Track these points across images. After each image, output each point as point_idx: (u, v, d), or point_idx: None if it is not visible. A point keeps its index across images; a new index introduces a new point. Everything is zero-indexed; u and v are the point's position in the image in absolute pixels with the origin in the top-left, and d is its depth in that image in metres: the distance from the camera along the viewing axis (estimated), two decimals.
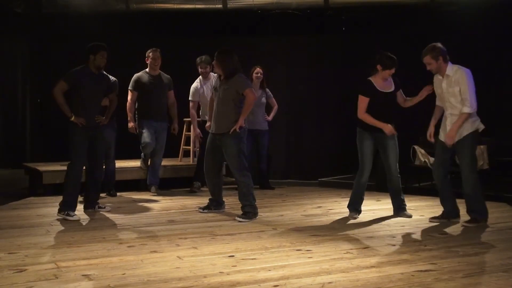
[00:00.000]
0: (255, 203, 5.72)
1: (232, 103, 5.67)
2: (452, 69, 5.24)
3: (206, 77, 7.47)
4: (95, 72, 5.77)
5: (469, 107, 5.13)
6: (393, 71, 5.55)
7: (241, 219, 5.54)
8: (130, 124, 7.17)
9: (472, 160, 5.29)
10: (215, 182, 5.97)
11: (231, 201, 6.35)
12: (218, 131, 5.74)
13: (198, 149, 7.73)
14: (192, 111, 7.50)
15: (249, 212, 5.63)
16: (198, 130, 7.50)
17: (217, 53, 5.76)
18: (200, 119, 7.55)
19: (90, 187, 5.96)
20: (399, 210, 5.77)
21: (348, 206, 5.80)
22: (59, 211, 5.59)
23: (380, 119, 5.52)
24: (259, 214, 5.69)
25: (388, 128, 5.51)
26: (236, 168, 5.68)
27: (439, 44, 5.27)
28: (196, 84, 7.53)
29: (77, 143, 5.63)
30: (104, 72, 6.46)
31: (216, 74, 6.25)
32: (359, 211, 5.78)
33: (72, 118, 5.59)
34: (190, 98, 7.49)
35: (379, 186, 7.33)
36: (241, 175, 5.67)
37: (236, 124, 5.60)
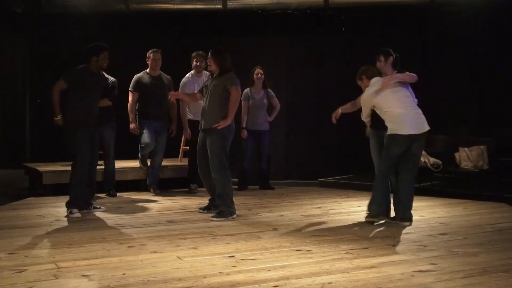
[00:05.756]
0: (231, 203, 5.64)
1: (220, 99, 5.63)
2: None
3: (199, 72, 7.30)
4: (96, 72, 5.81)
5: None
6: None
7: (215, 219, 5.50)
8: (132, 125, 7.13)
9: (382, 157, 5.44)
10: (210, 182, 5.88)
11: None
12: (205, 126, 5.69)
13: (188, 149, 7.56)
14: (183, 108, 7.25)
15: (223, 211, 5.58)
16: (189, 131, 7.27)
17: (213, 50, 5.72)
18: (191, 118, 7.28)
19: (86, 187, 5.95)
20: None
21: None
22: (66, 208, 5.72)
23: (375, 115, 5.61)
24: (259, 214, 5.68)
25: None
26: (214, 165, 5.60)
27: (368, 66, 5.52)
28: (186, 79, 7.31)
29: (80, 142, 5.64)
30: (104, 74, 6.47)
31: (208, 73, 6.20)
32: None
33: (57, 118, 5.60)
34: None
35: None
36: (217, 173, 5.59)
37: (224, 120, 5.54)
